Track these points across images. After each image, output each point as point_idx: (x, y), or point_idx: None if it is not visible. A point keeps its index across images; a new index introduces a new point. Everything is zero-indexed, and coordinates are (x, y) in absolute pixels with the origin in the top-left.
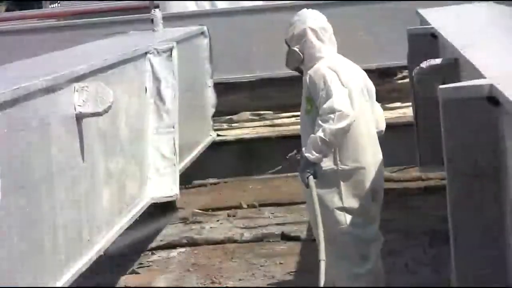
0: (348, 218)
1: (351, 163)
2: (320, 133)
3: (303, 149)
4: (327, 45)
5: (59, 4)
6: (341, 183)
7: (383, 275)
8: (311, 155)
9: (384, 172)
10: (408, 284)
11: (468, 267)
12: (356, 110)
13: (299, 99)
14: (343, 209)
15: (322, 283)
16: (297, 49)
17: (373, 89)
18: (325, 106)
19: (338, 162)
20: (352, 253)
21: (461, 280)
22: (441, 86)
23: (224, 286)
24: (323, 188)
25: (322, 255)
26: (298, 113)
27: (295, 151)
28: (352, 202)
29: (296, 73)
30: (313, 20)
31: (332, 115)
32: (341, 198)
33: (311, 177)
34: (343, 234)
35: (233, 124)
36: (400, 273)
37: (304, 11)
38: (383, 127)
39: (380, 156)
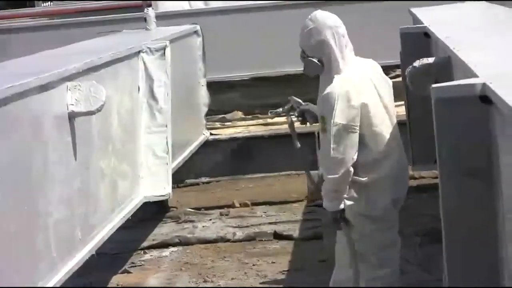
0: (368, 223)
1: (369, 174)
2: (325, 185)
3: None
4: (345, 52)
5: (52, 3)
6: (362, 190)
7: (398, 280)
8: (329, 205)
9: (408, 177)
10: (400, 284)
11: (460, 267)
12: (375, 123)
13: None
14: (364, 215)
15: None
16: (315, 60)
17: (390, 84)
18: (325, 150)
19: (358, 174)
20: (371, 257)
21: (453, 280)
22: (433, 85)
23: (217, 285)
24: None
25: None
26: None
27: (279, 109)
28: (373, 208)
29: (290, 72)
30: (330, 27)
31: (330, 164)
32: (361, 204)
33: (342, 225)
34: (363, 239)
35: (226, 123)
36: None
37: (319, 15)
38: None
39: (404, 162)
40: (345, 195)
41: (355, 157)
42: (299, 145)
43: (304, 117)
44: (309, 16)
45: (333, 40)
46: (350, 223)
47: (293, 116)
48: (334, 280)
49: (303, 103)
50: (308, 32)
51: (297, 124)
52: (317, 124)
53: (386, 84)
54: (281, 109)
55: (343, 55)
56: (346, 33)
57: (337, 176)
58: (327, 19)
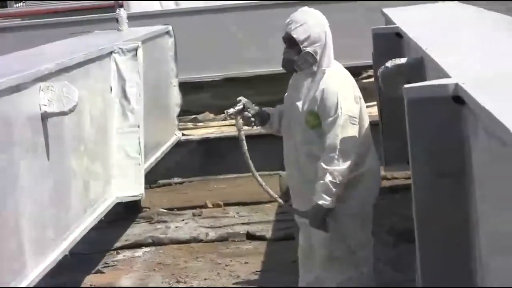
0: (349, 221)
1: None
2: (329, 178)
3: (313, 197)
4: (331, 49)
5: (24, 4)
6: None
7: (373, 279)
8: (325, 201)
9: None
10: (374, 284)
11: (433, 267)
12: (364, 118)
13: (264, 98)
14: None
15: None
16: (311, 51)
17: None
18: (328, 142)
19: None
20: (348, 256)
21: (426, 280)
22: (406, 86)
23: (190, 285)
24: None
25: None
26: None
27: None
28: (354, 207)
29: (261, 72)
30: (326, 22)
31: (335, 155)
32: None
33: (327, 223)
34: (342, 237)
35: (198, 124)
36: None
37: (314, 10)
38: None
39: (377, 162)
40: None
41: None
42: (245, 148)
43: (259, 119)
44: (302, 11)
45: (329, 35)
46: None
47: (242, 117)
48: (302, 282)
49: (255, 106)
50: (302, 25)
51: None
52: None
53: None
54: (230, 110)
55: (330, 52)
56: None
57: (345, 167)
58: (321, 15)
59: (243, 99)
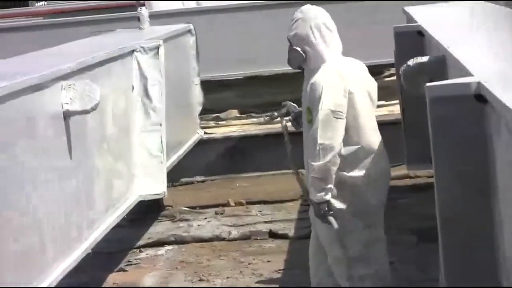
0: (355, 220)
1: (354, 169)
2: (312, 173)
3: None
4: (331, 45)
5: (46, 3)
6: (347, 187)
7: (389, 276)
8: (316, 197)
9: (390, 177)
10: (394, 284)
11: (456, 267)
12: (361, 114)
13: (286, 97)
14: (350, 213)
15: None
16: (299, 49)
17: (375, 84)
18: (310, 137)
19: (343, 169)
20: (359, 254)
21: (450, 280)
22: (428, 84)
23: (212, 284)
24: None
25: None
26: None
27: (274, 113)
28: (358, 205)
29: (283, 71)
30: (316, 18)
31: (316, 150)
32: (346, 201)
33: (330, 216)
34: (349, 236)
35: (220, 122)
36: None
37: (308, 7)
38: None
39: (385, 161)
40: (332, 188)
41: (342, 145)
42: (290, 148)
43: (297, 121)
44: (300, 9)
45: (318, 32)
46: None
47: (287, 120)
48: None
49: (297, 108)
50: (294, 22)
51: (291, 129)
52: None
53: (372, 85)
54: (275, 113)
55: (327, 50)
56: (334, 30)
57: (324, 162)
58: (314, 12)
59: (287, 103)
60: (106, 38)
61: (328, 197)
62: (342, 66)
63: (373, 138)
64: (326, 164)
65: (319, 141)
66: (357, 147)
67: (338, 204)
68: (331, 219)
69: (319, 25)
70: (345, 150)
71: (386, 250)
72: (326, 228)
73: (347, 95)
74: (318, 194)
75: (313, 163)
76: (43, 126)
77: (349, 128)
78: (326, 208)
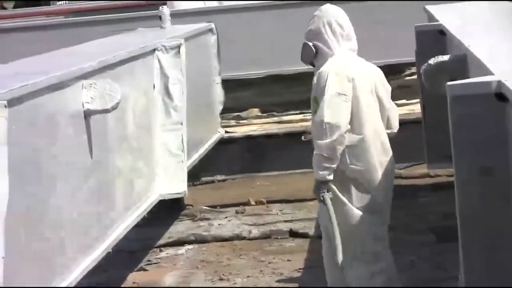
0: (360, 217)
1: (357, 162)
2: (316, 151)
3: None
4: (342, 43)
5: (66, 2)
6: (351, 182)
7: (396, 273)
8: (318, 175)
9: (394, 172)
10: (413, 283)
11: (476, 266)
12: (363, 110)
13: (307, 96)
14: (355, 208)
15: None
16: (310, 44)
17: (389, 89)
18: (315, 118)
19: (347, 162)
20: (366, 252)
21: (470, 280)
22: (449, 83)
23: (233, 283)
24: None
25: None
26: (306, 110)
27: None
28: (363, 201)
29: (304, 70)
30: (330, 15)
31: (322, 129)
32: (351, 198)
33: (326, 194)
34: (356, 233)
35: (241, 121)
36: (405, 271)
37: (326, 6)
38: (395, 128)
39: (388, 156)
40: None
41: (348, 126)
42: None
43: None
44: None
45: (329, 28)
46: (333, 195)
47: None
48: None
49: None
50: (311, 19)
51: None
52: None
53: (386, 85)
54: (325, 196)
55: (338, 46)
56: (348, 29)
57: (331, 140)
58: (329, 9)
59: (330, 186)
60: (127, 37)
61: (331, 177)
62: (349, 59)
63: (373, 132)
64: (333, 142)
65: (326, 120)
66: (359, 137)
67: (347, 202)
68: (327, 198)
69: (331, 21)
70: (350, 139)
71: (389, 248)
72: (331, 227)
73: (352, 82)
74: (321, 172)
75: (319, 141)
76: (64, 125)
77: (353, 119)
78: (326, 189)
